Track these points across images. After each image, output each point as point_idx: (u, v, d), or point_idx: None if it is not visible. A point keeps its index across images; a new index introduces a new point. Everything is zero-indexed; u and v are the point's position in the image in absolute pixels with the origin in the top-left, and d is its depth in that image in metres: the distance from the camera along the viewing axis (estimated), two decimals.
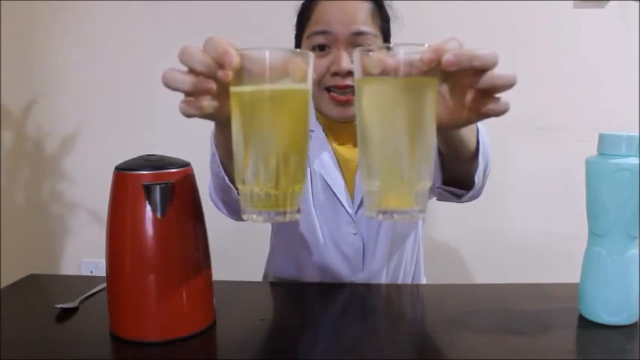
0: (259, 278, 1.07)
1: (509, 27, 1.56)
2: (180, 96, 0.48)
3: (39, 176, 1.75)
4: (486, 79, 0.46)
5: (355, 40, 0.83)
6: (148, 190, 0.58)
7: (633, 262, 0.63)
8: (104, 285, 0.70)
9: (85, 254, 1.75)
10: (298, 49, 0.78)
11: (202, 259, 0.64)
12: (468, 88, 0.48)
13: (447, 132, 0.58)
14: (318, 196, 0.91)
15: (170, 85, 0.46)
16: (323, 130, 0.92)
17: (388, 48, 0.45)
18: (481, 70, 0.45)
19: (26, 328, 0.66)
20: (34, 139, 1.73)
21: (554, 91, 1.59)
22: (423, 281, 1.06)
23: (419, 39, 0.46)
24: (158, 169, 0.59)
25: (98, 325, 0.64)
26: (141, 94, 1.65)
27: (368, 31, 0.83)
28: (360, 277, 0.93)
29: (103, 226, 0.61)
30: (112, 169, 0.61)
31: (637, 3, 1.53)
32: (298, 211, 0.49)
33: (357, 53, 0.47)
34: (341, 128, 0.91)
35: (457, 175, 0.73)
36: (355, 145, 0.92)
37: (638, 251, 0.63)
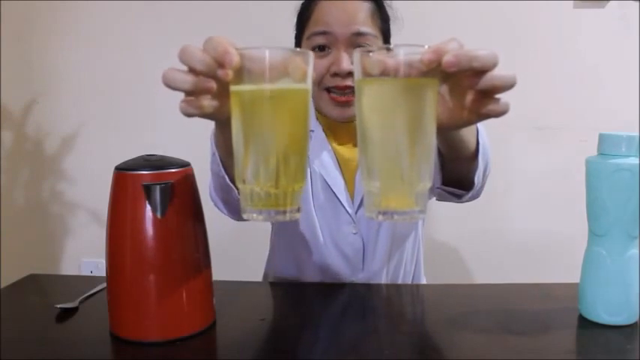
0: (259, 278, 1.07)
1: (509, 27, 1.56)
2: (181, 96, 0.48)
3: (39, 176, 1.75)
4: (486, 80, 0.46)
5: (355, 40, 0.83)
6: (148, 190, 0.58)
7: (633, 262, 0.63)
8: (104, 285, 0.70)
9: (85, 254, 1.75)
10: (298, 49, 0.78)
11: (202, 259, 0.64)
12: (468, 89, 0.48)
13: (446, 132, 0.58)
14: (318, 196, 0.91)
15: (170, 85, 0.46)
16: (323, 130, 0.92)
17: (388, 49, 0.45)
18: (481, 71, 0.45)
19: (26, 328, 0.66)
20: (34, 139, 1.73)
21: (554, 91, 1.59)
22: (423, 281, 1.06)
23: (419, 39, 0.47)
24: (158, 169, 0.59)
25: (98, 325, 0.64)
26: (141, 94, 1.65)
27: (368, 32, 0.83)
28: (360, 277, 0.93)
29: (103, 226, 0.61)
30: (112, 169, 0.61)
31: (637, 3, 1.53)
32: (298, 210, 0.49)
33: (357, 54, 0.47)
34: (341, 128, 0.91)
35: (457, 176, 0.73)
36: (355, 145, 0.92)
37: (638, 251, 0.63)
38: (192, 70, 0.46)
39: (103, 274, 0.63)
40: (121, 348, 0.60)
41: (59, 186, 1.75)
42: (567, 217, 1.39)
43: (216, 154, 0.69)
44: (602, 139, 0.63)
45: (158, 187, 0.58)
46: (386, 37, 0.89)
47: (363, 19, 0.84)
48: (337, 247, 0.92)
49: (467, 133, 0.63)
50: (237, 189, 0.50)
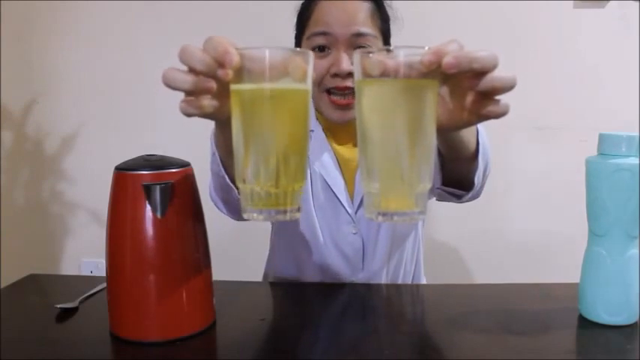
0: (259, 278, 1.07)
1: (509, 27, 1.56)
2: (181, 95, 0.48)
3: (39, 176, 1.75)
4: (486, 82, 0.46)
5: (355, 41, 0.83)
6: (148, 190, 0.58)
7: (633, 262, 0.63)
8: (104, 285, 0.70)
9: (85, 254, 1.75)
10: (298, 49, 0.78)
11: (202, 259, 0.64)
12: (468, 90, 0.48)
13: (446, 133, 0.58)
14: (318, 196, 0.91)
15: (170, 85, 0.46)
16: (323, 130, 0.92)
17: (388, 50, 0.45)
18: (481, 73, 0.45)
19: (26, 328, 0.66)
20: (34, 139, 1.73)
21: (554, 91, 1.59)
22: (423, 281, 1.06)
23: (419, 39, 0.47)
24: (158, 169, 0.59)
25: (98, 325, 0.64)
26: (141, 94, 1.65)
27: (368, 32, 0.83)
28: (360, 277, 0.93)
29: (103, 226, 0.61)
30: (112, 169, 0.61)
31: (637, 3, 1.53)
32: (298, 209, 0.49)
33: (357, 55, 0.47)
34: (341, 128, 0.91)
35: (457, 176, 0.73)
36: (355, 145, 0.92)
37: (638, 251, 0.63)
38: (192, 70, 0.46)
39: (103, 274, 0.63)
40: (121, 348, 0.60)
41: (59, 186, 1.75)
42: (567, 217, 1.38)
43: (216, 153, 0.69)
44: (602, 139, 0.63)
45: (158, 187, 0.58)
46: (386, 37, 0.89)
47: (363, 19, 0.83)
48: (337, 247, 0.92)
49: (467, 134, 0.63)
50: (238, 189, 0.50)
